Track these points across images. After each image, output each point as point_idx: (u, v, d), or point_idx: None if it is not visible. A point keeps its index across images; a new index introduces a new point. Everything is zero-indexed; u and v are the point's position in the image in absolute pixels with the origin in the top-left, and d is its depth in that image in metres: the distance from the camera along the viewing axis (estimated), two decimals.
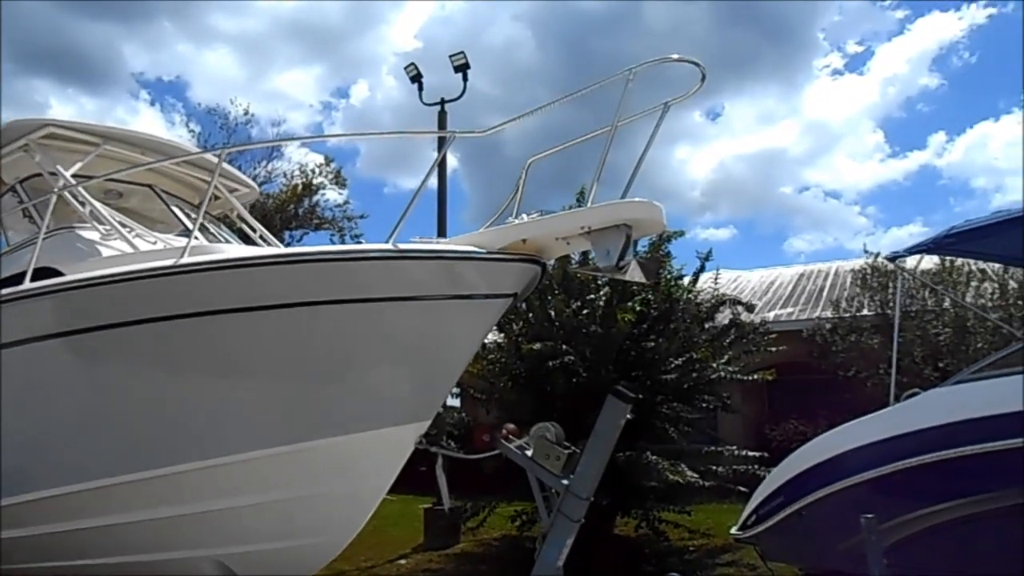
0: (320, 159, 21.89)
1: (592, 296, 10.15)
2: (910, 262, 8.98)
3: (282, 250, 5.44)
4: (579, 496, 3.96)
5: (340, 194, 22.04)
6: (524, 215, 4.49)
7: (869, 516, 4.29)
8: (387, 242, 4.45)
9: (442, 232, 11.76)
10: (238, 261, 4.66)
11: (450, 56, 12.85)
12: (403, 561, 10.13)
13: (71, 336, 5.04)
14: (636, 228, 4.15)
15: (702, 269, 10.70)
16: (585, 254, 7.82)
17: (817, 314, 14.88)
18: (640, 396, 9.69)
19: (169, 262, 4.59)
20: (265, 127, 25.77)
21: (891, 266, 13.85)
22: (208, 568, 5.23)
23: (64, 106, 43.46)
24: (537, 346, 9.59)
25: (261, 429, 4.89)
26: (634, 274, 4.22)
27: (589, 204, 4.18)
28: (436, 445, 4.74)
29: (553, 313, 10.11)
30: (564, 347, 9.67)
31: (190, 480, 5.02)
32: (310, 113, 43.59)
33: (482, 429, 4.54)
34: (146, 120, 44.67)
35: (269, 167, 20.97)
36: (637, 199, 4.15)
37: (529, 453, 4.23)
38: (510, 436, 4.40)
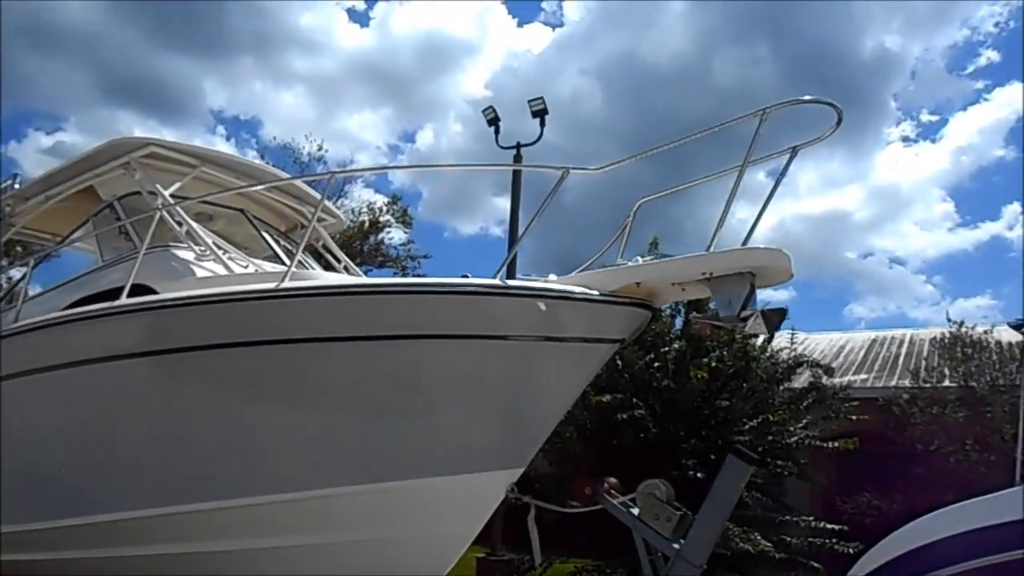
0: (383, 200, 22.33)
1: (665, 349, 9.87)
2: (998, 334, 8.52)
3: (381, 280, 5.31)
4: (691, 563, 3.66)
5: (405, 233, 22.33)
6: (639, 257, 4.30)
7: None
8: (494, 278, 4.29)
9: (511, 273, 11.59)
10: (341, 288, 4.55)
11: (529, 101, 12.79)
12: None
13: (158, 356, 4.95)
14: (760, 276, 3.94)
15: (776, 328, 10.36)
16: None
17: (894, 382, 14.28)
18: (712, 456, 9.38)
19: (270, 285, 4.48)
20: (332, 168, 26.05)
21: (976, 335, 13.31)
22: None
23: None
24: (607, 398, 9.33)
25: (340, 465, 4.71)
26: (756, 326, 3.98)
27: (711, 250, 3.97)
28: (529, 495, 4.48)
29: (621, 364, 9.85)
30: (634, 400, 9.39)
31: (263, 513, 4.84)
32: (375, 155, 44.24)
33: (583, 482, 4.28)
34: None
35: (337, 204, 21.24)
36: (763, 246, 3.93)
37: (635, 511, 3.94)
38: (612, 491, 4.12)
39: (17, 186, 7.30)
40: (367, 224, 20.57)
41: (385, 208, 21.52)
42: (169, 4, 36.14)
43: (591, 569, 9.72)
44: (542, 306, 4.28)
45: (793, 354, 10.60)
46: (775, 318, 3.90)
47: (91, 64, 38.89)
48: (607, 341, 4.45)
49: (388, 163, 45.35)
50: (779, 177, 4.14)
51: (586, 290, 4.21)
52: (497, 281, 4.27)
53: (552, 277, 4.46)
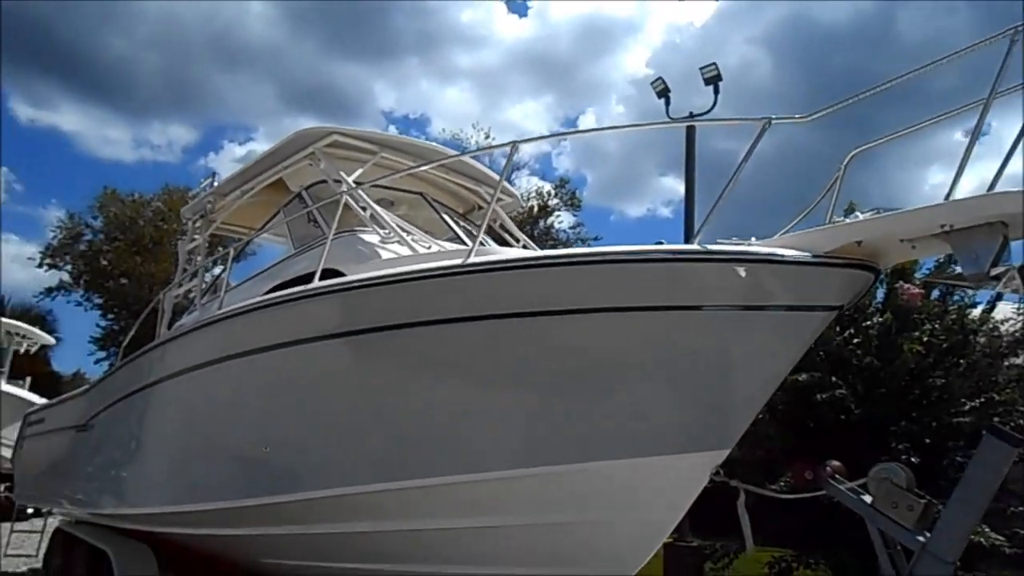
0: (547, 186, 22.41)
1: (867, 323, 9.02)
2: None
3: (567, 251, 5.10)
4: (942, 558, 3.15)
5: (575, 216, 22.31)
6: (858, 213, 3.80)
7: None
8: (690, 243, 3.95)
9: (688, 237, 11.08)
10: (528, 261, 4.36)
11: (701, 68, 12.20)
12: None
13: (350, 336, 5.01)
14: (1014, 227, 3.33)
15: (999, 297, 9.23)
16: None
17: None
18: (927, 440, 8.50)
19: (456, 261, 4.38)
20: (497, 158, 26.36)
21: None
22: None
23: None
24: (803, 377, 8.64)
25: (533, 445, 4.54)
26: (1010, 283, 3.38)
27: (951, 198, 3.41)
28: (737, 479, 4.10)
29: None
30: (832, 379, 8.67)
31: (454, 494, 4.76)
32: (539, 143, 44.65)
33: (802, 464, 3.84)
34: None
35: None
36: (1018, 189, 3.32)
37: (867, 499, 3.47)
38: (836, 476, 3.67)
39: (215, 184, 7.80)
40: (536, 209, 20.69)
41: (553, 192, 21.60)
42: (339, 13, 38.07)
43: (790, 559, 9.13)
44: (741, 272, 3.88)
45: (1019, 326, 9.41)
46: None
47: (275, 77, 41.81)
48: (821, 308, 3.97)
49: (552, 151, 45.48)
50: None
51: (795, 252, 3.77)
52: (694, 246, 3.92)
53: (752, 240, 4.05)
